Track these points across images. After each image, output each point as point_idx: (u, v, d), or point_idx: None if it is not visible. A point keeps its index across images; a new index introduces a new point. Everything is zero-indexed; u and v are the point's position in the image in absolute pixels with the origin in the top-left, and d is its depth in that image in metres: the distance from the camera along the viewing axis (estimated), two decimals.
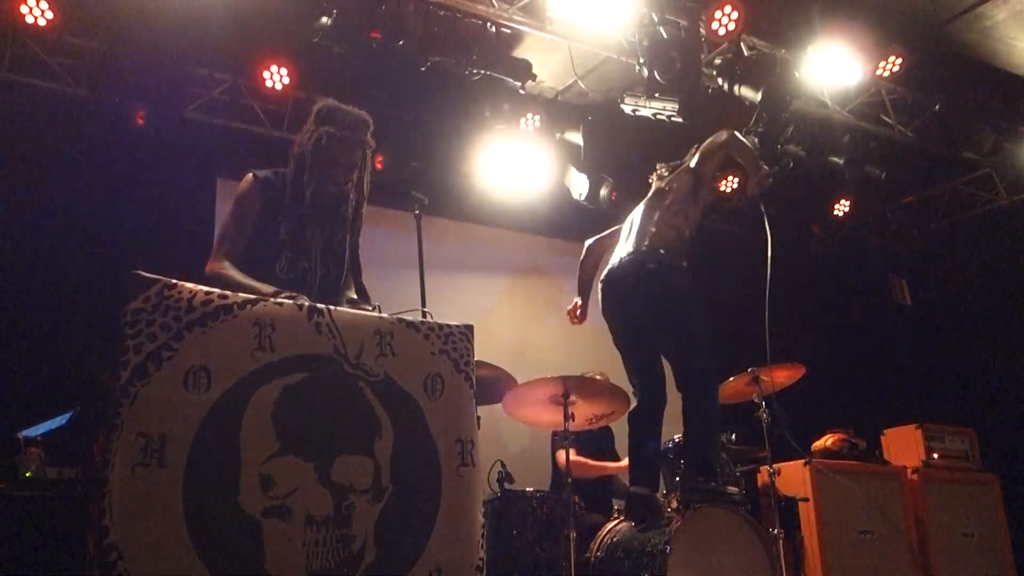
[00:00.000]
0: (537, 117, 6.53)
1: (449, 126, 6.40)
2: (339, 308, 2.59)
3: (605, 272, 4.49)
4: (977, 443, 6.15)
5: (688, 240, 4.40)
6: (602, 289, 4.45)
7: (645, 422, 4.20)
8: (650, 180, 4.77)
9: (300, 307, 2.50)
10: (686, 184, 4.52)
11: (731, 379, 4.69)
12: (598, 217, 7.21)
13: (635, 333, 4.32)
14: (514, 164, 6.69)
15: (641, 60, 5.28)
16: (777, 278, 4.39)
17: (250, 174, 3.18)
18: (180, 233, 5.64)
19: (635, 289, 4.25)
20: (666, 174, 4.67)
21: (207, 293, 2.39)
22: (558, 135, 6.77)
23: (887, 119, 6.48)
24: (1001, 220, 7.50)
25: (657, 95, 5.31)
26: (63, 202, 5.46)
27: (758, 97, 5.34)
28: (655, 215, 4.45)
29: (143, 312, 2.28)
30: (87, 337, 4.15)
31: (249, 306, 2.43)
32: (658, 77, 5.07)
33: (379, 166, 6.13)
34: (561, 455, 4.48)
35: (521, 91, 5.95)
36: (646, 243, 4.32)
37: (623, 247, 4.46)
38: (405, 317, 2.71)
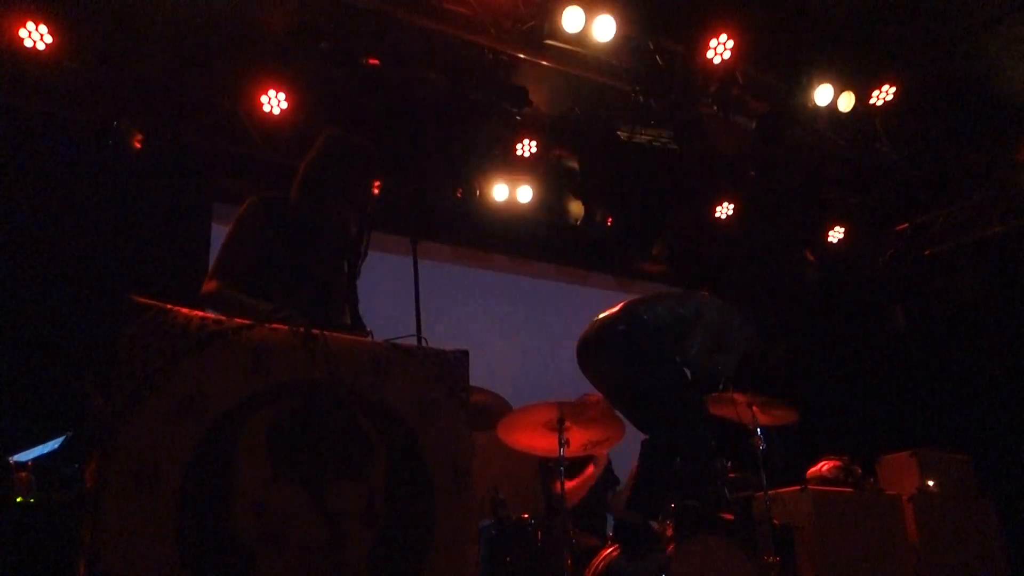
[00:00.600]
0: (534, 143, 6.57)
1: (446, 151, 6.43)
2: (334, 334, 2.59)
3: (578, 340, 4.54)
4: (973, 469, 6.13)
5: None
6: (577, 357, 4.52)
7: (653, 455, 4.22)
8: None
9: (295, 333, 2.50)
10: None
11: (726, 393, 4.66)
12: (594, 241, 7.26)
13: (609, 389, 4.39)
14: (511, 189, 6.72)
15: (637, 88, 5.33)
16: (772, 304, 4.42)
17: (252, 197, 3.19)
18: (176, 257, 5.64)
19: (597, 346, 4.31)
20: None
21: (201, 319, 2.39)
22: (554, 160, 6.81)
23: (881, 147, 6.53)
24: (995, 246, 7.53)
25: (652, 122, 5.35)
26: (59, 225, 5.46)
27: (753, 125, 5.38)
28: None
29: (138, 337, 2.27)
30: (81, 361, 4.14)
31: (244, 331, 2.42)
32: (654, 105, 5.11)
33: (375, 191, 6.15)
34: (557, 484, 4.47)
35: (518, 117, 5.99)
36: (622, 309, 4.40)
37: None
38: (400, 343, 2.70)
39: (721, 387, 4.44)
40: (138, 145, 5.43)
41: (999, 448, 6.86)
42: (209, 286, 2.96)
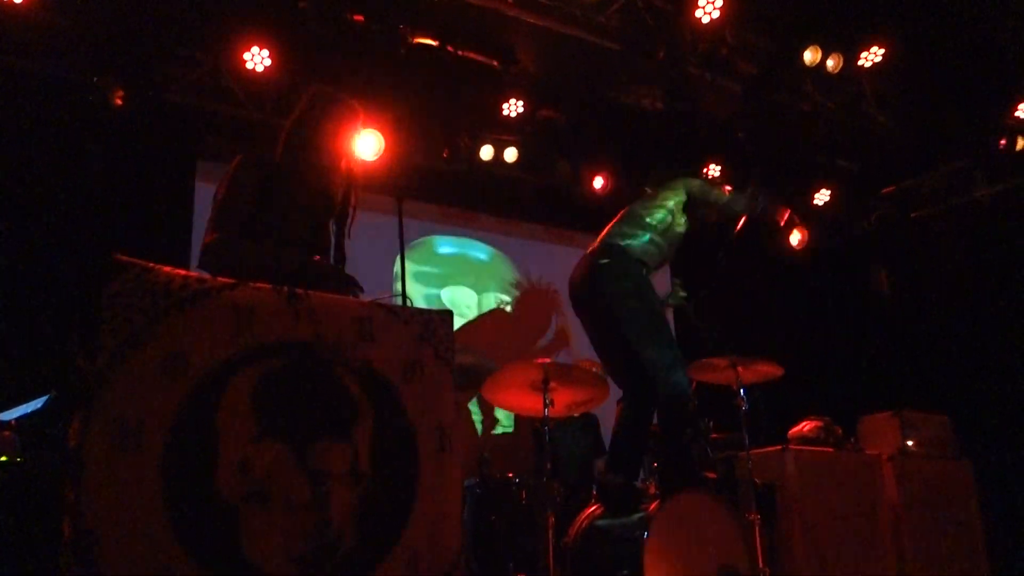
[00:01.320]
0: (520, 102, 6.52)
1: (431, 110, 6.37)
2: (319, 293, 2.58)
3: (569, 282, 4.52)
4: (952, 430, 6.21)
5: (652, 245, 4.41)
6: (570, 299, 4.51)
7: (626, 413, 4.24)
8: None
9: (279, 292, 2.49)
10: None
11: (710, 358, 4.70)
12: (581, 202, 7.24)
13: (600, 332, 4.38)
14: (497, 149, 6.68)
15: (625, 47, 5.28)
16: (758, 267, 4.44)
17: (241, 155, 3.15)
18: (158, 215, 5.59)
19: (590, 288, 4.29)
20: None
21: (184, 277, 2.37)
22: (541, 120, 6.76)
23: (869, 110, 6.51)
24: (980, 211, 7.56)
25: (640, 83, 5.31)
26: (38, 183, 5.40)
27: (740, 88, 5.36)
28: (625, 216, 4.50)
29: (120, 296, 2.26)
30: (63, 320, 4.12)
31: (227, 291, 2.41)
32: (642, 65, 5.07)
33: (361, 149, 6.10)
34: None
35: (504, 75, 5.93)
36: (600, 241, 4.37)
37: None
38: (385, 302, 2.70)
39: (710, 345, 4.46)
40: (120, 102, 5.35)
41: (979, 410, 6.95)
42: (211, 237, 2.93)
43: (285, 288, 2.51)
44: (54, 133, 5.44)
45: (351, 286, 2.99)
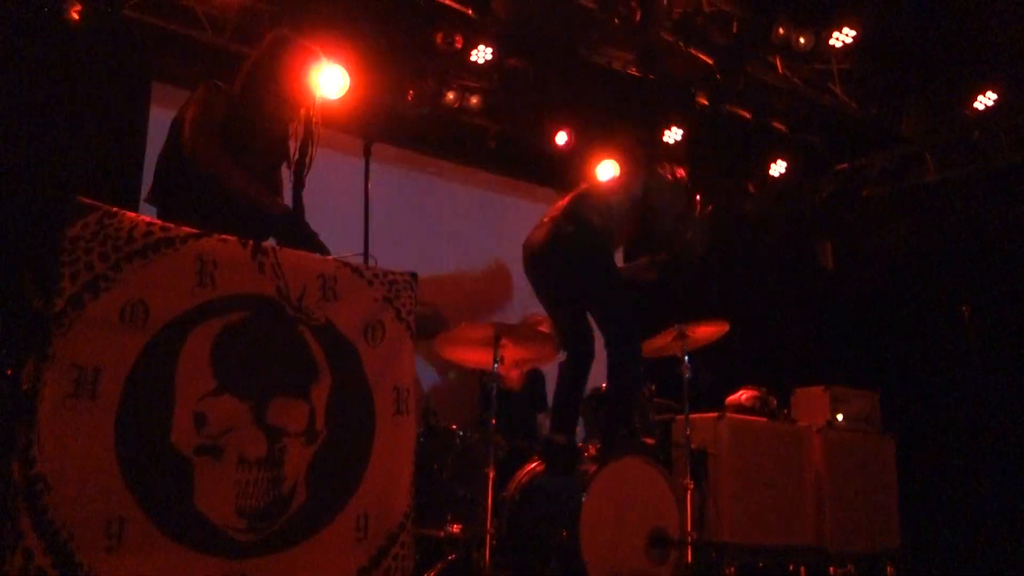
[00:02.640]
0: (490, 49, 6.41)
1: (400, 52, 6.24)
2: (285, 248, 2.56)
3: (526, 239, 4.54)
4: (879, 406, 6.45)
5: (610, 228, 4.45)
6: (523, 255, 4.52)
7: (569, 375, 4.32)
8: None
9: (244, 244, 2.46)
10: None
11: (657, 335, 4.79)
12: (544, 156, 7.21)
13: (556, 296, 4.42)
14: (462, 95, 6.60)
15: (601, 6, 5.22)
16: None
17: (206, 82, 3.08)
18: (112, 135, 5.41)
19: (552, 252, 4.32)
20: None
21: (148, 224, 2.34)
22: (510, 70, 6.67)
23: (834, 88, 6.58)
24: (929, 195, 7.74)
25: (613, 43, 5.27)
26: None
27: (711, 58, 5.36)
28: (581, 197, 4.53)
29: (81, 240, 2.22)
30: (17, 255, 3.97)
31: (192, 240, 2.38)
32: (616, 25, 5.03)
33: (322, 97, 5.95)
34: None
35: (476, 20, 5.82)
36: (564, 210, 4.40)
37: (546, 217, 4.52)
38: (350, 261, 2.69)
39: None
40: (76, 16, 5.12)
41: (905, 388, 7.22)
42: (198, 142, 2.88)
43: (251, 241, 2.48)
44: (2, 49, 5.19)
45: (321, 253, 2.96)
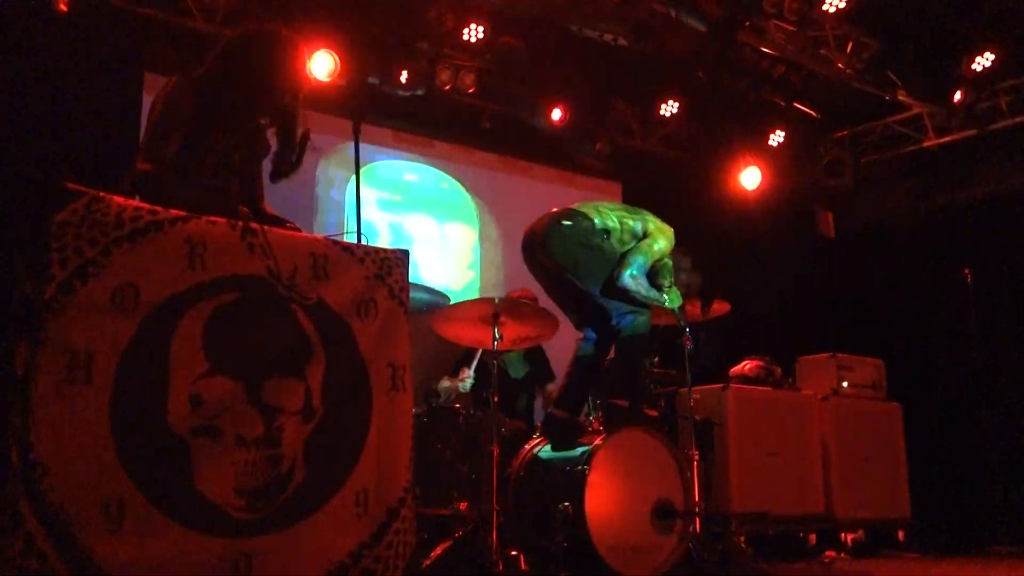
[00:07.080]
0: (481, 28, 6.38)
1: (389, 33, 6.21)
2: (274, 228, 2.55)
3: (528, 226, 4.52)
4: (885, 373, 6.44)
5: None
6: (522, 242, 4.51)
7: (588, 354, 4.32)
8: None
9: (233, 226, 2.46)
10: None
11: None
12: (538, 134, 7.18)
13: (556, 280, 4.42)
14: (455, 74, 6.57)
15: None
16: (707, 207, 4.48)
17: (178, 75, 2.98)
18: (104, 128, 5.40)
19: (548, 244, 4.31)
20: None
21: (136, 208, 2.33)
22: (503, 47, 6.63)
23: (829, 55, 6.52)
24: (928, 161, 7.70)
25: (605, 17, 5.23)
26: None
27: (705, 28, 5.31)
28: None
29: (70, 225, 2.21)
30: (7, 244, 3.97)
31: (180, 223, 2.37)
32: None
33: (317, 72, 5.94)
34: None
35: None
36: (571, 208, 4.39)
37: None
38: (340, 240, 2.68)
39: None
40: (64, 7, 5.10)
41: (912, 353, 7.21)
42: (145, 166, 2.81)
43: (240, 222, 2.47)
44: None
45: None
